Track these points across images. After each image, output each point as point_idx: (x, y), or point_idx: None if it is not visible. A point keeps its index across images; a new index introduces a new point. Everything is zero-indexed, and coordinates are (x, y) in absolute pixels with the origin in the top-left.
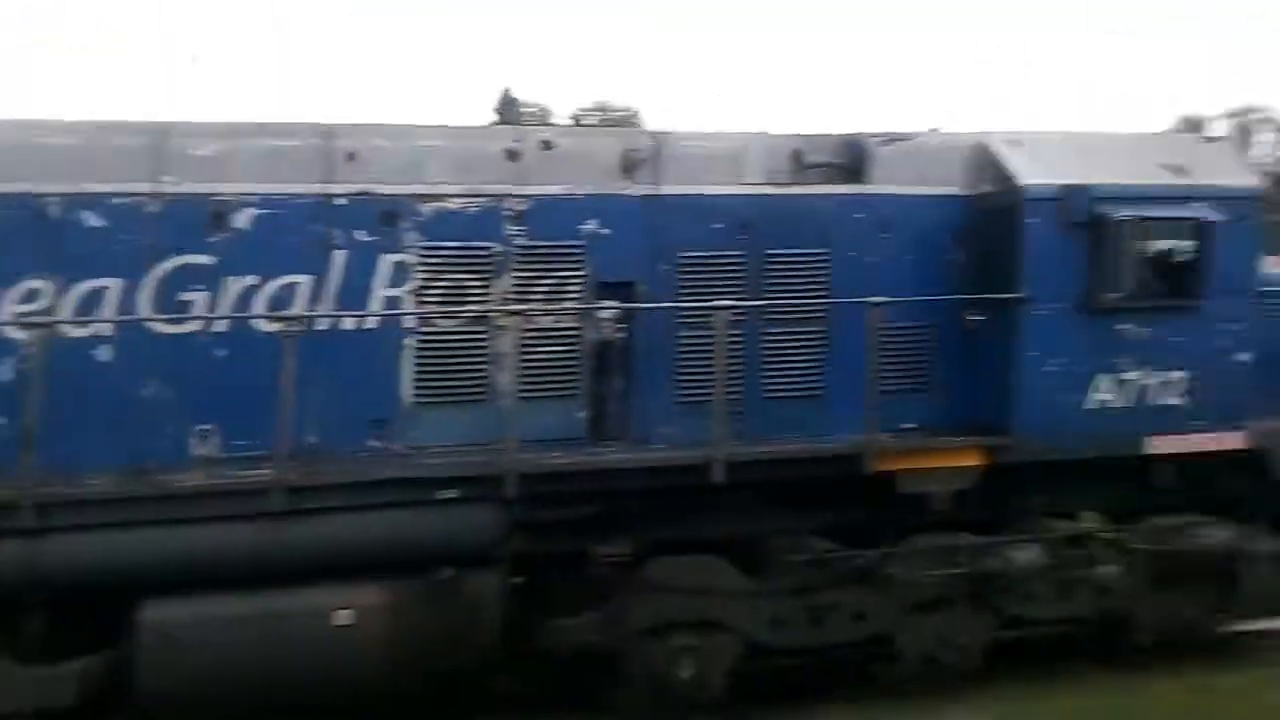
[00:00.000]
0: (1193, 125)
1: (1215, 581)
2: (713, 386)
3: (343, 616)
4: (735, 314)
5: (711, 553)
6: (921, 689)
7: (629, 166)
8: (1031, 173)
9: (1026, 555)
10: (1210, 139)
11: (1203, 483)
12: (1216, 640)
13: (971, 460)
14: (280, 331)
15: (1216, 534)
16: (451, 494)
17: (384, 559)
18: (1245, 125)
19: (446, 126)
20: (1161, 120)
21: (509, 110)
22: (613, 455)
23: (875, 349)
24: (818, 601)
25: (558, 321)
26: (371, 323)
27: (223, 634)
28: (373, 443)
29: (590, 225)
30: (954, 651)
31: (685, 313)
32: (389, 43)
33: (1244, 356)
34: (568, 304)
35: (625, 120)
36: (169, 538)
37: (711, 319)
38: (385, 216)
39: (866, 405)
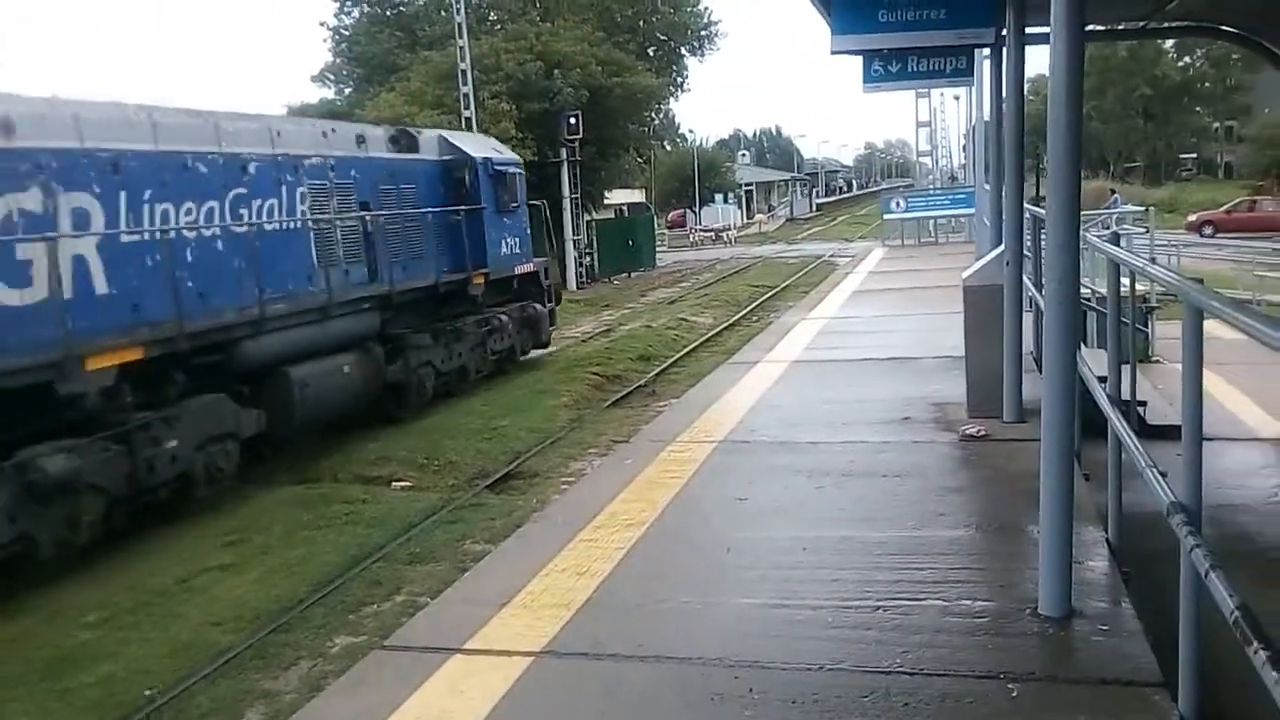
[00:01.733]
0: None
1: None
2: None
3: (346, 367)
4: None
5: None
6: None
7: (361, 140)
8: (476, 151)
9: None
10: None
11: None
12: None
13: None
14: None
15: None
16: (366, 307)
17: (350, 340)
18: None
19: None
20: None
21: None
22: None
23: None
24: None
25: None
26: (296, 225)
27: (315, 378)
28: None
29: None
30: None
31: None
32: None
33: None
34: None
35: None
36: (295, 336)
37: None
38: (294, 169)
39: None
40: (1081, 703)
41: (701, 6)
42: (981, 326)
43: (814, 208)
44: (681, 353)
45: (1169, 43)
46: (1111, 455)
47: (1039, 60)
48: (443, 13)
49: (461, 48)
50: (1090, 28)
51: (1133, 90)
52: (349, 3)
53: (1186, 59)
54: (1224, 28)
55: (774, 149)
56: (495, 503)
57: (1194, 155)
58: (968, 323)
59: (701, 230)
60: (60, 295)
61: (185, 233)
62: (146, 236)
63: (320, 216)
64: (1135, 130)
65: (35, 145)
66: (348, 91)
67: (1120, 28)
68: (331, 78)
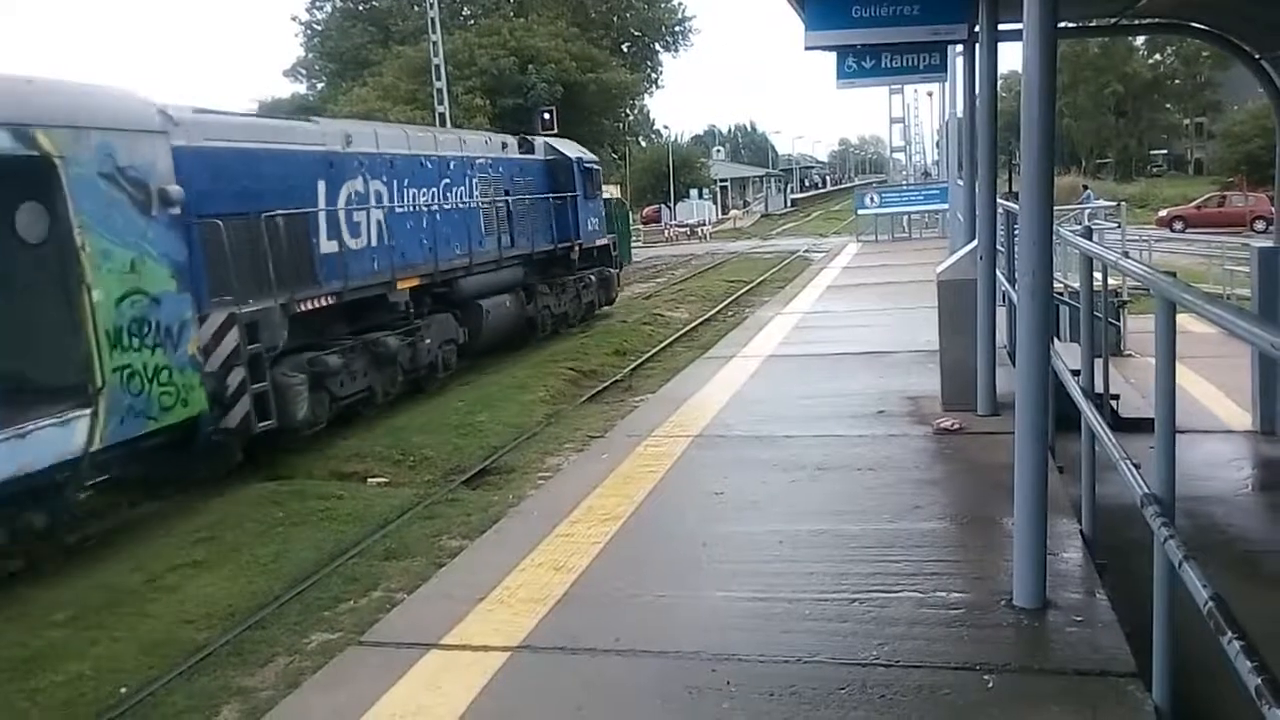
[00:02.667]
0: None
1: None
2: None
3: (507, 303)
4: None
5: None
6: None
7: (505, 145)
8: (571, 153)
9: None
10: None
11: None
12: None
13: None
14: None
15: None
16: (515, 263)
17: (508, 286)
18: None
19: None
20: None
21: None
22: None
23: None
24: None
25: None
26: (475, 205)
27: (493, 308)
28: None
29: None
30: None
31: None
32: None
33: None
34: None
35: None
36: (482, 280)
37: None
38: (472, 165)
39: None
40: (1056, 693)
41: (675, 2)
42: (955, 321)
43: (789, 203)
44: (657, 347)
45: (1140, 40)
46: (1085, 448)
47: (1012, 57)
48: (415, 7)
49: (435, 43)
50: (1062, 24)
51: (1104, 87)
52: None
53: (1157, 56)
54: (1193, 24)
55: (749, 145)
56: (472, 498)
57: (1165, 151)
58: (942, 317)
59: (676, 226)
60: (379, 243)
61: (425, 207)
62: (409, 209)
63: (487, 199)
64: (1107, 127)
65: (358, 150)
66: (319, 86)
67: (1092, 24)
68: (303, 72)
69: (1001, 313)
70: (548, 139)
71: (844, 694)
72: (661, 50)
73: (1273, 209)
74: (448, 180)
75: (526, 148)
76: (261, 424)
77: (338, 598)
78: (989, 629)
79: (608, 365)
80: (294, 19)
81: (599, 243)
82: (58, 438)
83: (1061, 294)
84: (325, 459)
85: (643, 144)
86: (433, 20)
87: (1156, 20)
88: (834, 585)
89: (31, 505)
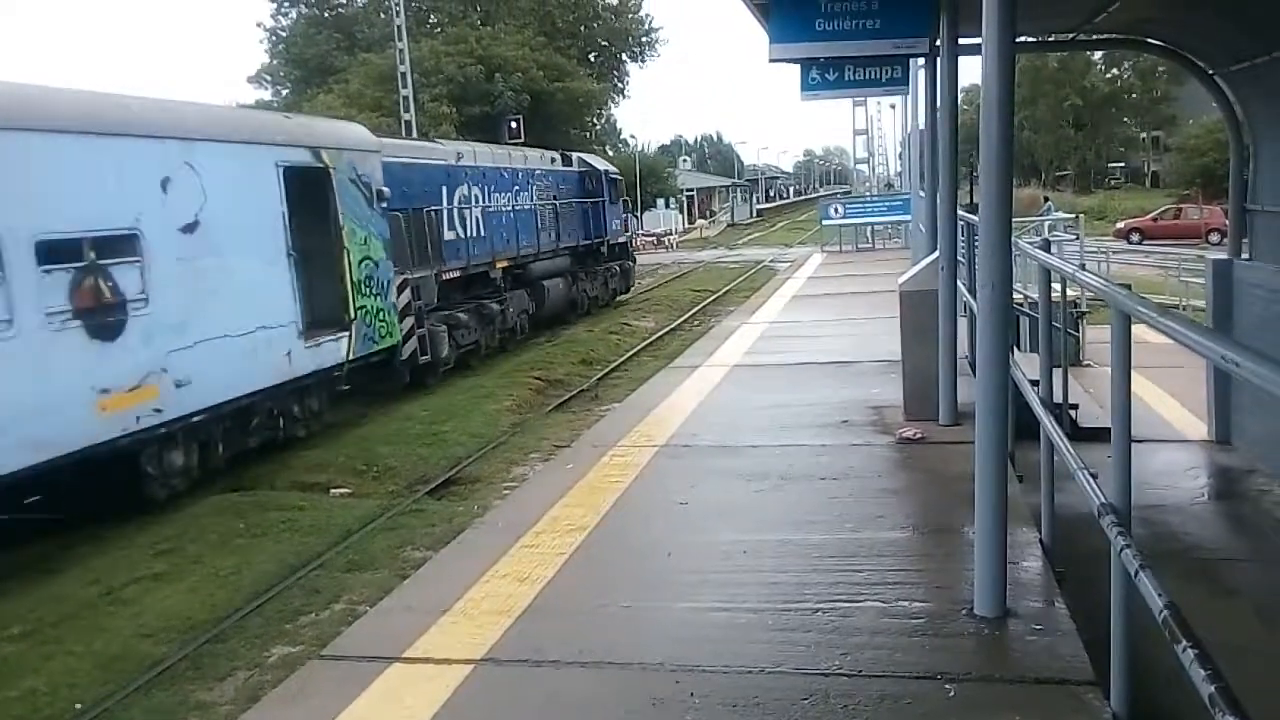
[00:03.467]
0: None
1: None
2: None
3: (560, 284)
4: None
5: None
6: None
7: (553, 159)
8: (599, 166)
9: None
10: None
11: None
12: None
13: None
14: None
15: None
16: (564, 254)
17: (560, 272)
18: None
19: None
20: None
21: None
22: None
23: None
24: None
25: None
26: (534, 207)
27: (551, 288)
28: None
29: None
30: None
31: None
32: None
33: None
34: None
35: None
36: (544, 265)
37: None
38: (532, 175)
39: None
40: (1017, 702)
41: (643, 13)
42: (917, 331)
43: (754, 213)
44: (624, 357)
45: (1098, 55)
46: (1044, 457)
47: (973, 70)
48: (382, 15)
49: (401, 50)
50: (1021, 39)
51: (1063, 100)
52: (286, 3)
53: (1114, 70)
54: (1149, 40)
55: (715, 155)
56: (436, 509)
57: (1122, 164)
58: (904, 327)
59: (643, 235)
60: (481, 233)
61: (504, 208)
62: (496, 209)
63: (544, 203)
64: (1066, 139)
65: (464, 164)
66: (284, 93)
67: (1050, 39)
68: (269, 79)
69: (962, 323)
70: (580, 154)
71: (807, 704)
72: (629, 60)
73: (1227, 221)
74: (518, 187)
75: (566, 161)
76: (422, 358)
77: (299, 610)
78: (950, 638)
79: (574, 374)
80: (259, 25)
81: (620, 240)
82: (334, 349)
83: (1021, 305)
84: (287, 469)
85: (610, 153)
86: (399, 28)
87: (1114, 35)
88: (797, 595)
89: (316, 391)
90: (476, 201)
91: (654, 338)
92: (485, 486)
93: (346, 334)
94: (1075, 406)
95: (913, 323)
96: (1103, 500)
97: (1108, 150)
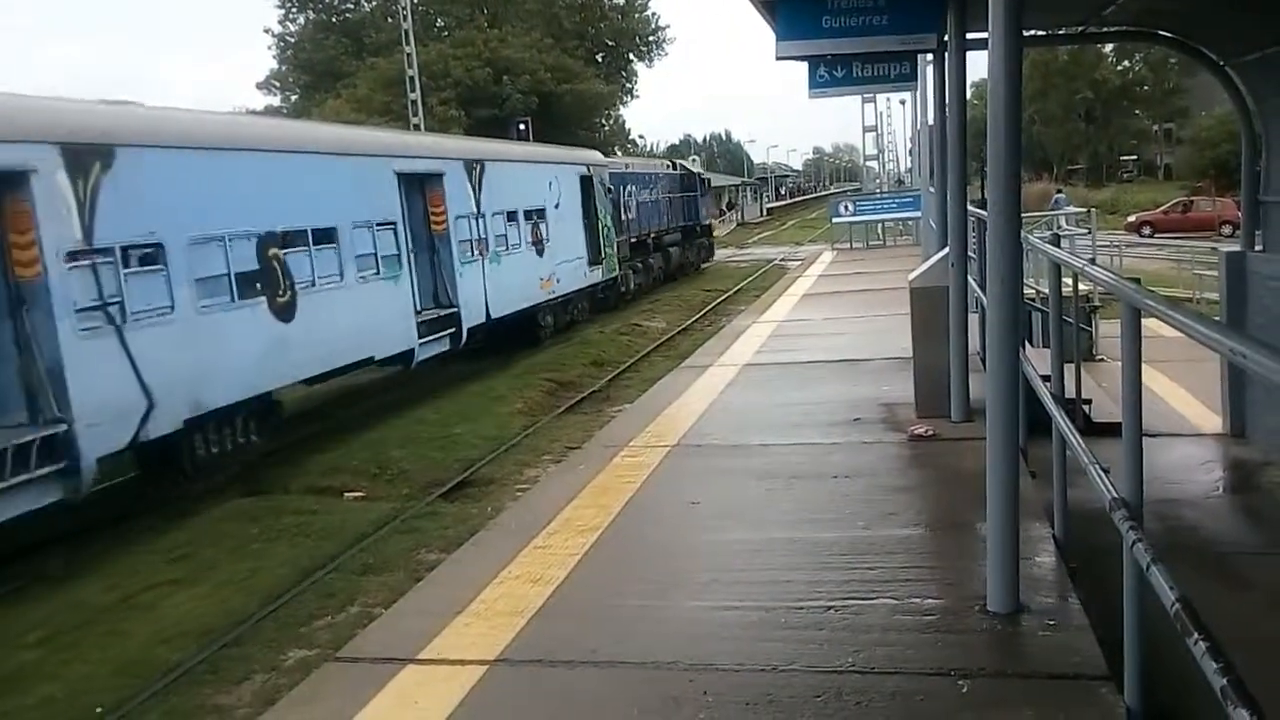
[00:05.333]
0: None
1: None
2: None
3: (676, 253)
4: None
5: None
6: None
7: (670, 165)
8: (694, 168)
9: None
10: None
11: None
12: None
13: None
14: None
15: None
16: (678, 231)
17: (677, 243)
18: None
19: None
20: None
21: None
22: None
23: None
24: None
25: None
26: (663, 199)
27: (675, 253)
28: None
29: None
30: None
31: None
32: None
33: None
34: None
35: None
36: (670, 238)
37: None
38: (659, 178)
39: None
40: (1030, 697)
41: (649, 13)
42: (928, 328)
43: (764, 212)
44: (635, 358)
45: (1109, 47)
46: (1056, 453)
47: (982, 65)
48: (389, 19)
49: (409, 54)
50: (1029, 32)
51: (1074, 94)
52: (294, 9)
53: (1126, 63)
54: (1159, 32)
55: (724, 154)
56: (449, 511)
57: (1135, 157)
58: (915, 324)
59: None
60: (637, 216)
61: (647, 199)
62: (644, 200)
63: (665, 196)
64: (1077, 133)
65: (630, 171)
66: (294, 99)
67: (1059, 32)
68: (277, 85)
69: (973, 319)
70: (683, 162)
71: (820, 702)
72: (636, 60)
73: (1240, 214)
74: (653, 185)
75: (673, 166)
76: (622, 289)
77: (314, 614)
78: (963, 634)
79: (585, 376)
80: (267, 31)
81: (706, 222)
82: (596, 273)
83: (1033, 300)
84: (301, 473)
85: (619, 154)
86: (407, 32)
87: (1122, 28)
88: (809, 593)
89: (590, 295)
90: (633, 195)
91: (665, 338)
92: (498, 488)
93: (600, 266)
94: (1088, 401)
95: (924, 320)
96: (1114, 495)
97: (1120, 143)
